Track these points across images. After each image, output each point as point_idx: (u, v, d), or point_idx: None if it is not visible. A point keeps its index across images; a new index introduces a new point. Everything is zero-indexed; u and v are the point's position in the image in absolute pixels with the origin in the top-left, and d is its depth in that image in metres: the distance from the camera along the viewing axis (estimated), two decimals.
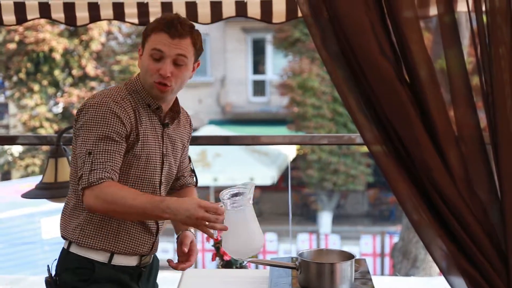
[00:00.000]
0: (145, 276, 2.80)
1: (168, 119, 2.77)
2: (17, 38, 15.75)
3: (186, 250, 2.73)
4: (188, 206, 2.37)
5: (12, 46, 16.00)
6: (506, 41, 2.03)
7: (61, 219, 2.70)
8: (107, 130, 2.50)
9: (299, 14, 3.43)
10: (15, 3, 3.72)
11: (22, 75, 16.45)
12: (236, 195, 2.36)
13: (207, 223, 2.35)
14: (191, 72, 2.72)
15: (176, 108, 2.80)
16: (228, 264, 3.91)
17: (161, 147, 2.72)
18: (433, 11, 2.17)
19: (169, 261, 2.71)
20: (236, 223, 2.37)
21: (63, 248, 2.69)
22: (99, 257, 2.62)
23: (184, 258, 2.73)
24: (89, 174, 2.43)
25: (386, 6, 2.08)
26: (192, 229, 2.82)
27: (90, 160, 2.46)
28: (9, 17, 3.75)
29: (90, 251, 2.61)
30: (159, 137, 2.72)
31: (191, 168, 3.06)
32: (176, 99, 2.81)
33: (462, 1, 2.16)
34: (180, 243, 2.78)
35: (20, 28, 14.99)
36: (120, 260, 2.66)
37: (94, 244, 2.60)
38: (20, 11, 3.74)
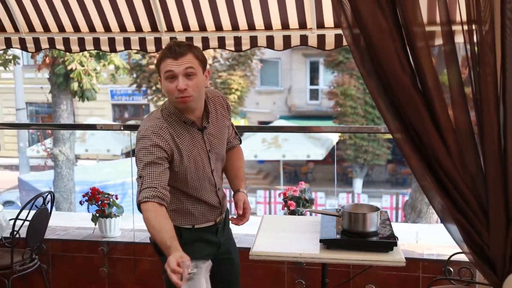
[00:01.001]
0: (221, 228, 2.64)
1: (204, 123, 2.47)
2: (155, 61, 16.02)
3: (240, 212, 2.54)
4: (169, 260, 2.05)
5: (152, 66, 16.27)
6: (491, 64, 1.99)
7: None
8: (151, 157, 2.30)
9: (344, 43, 3.40)
10: (155, 38, 3.78)
11: (158, 86, 16.70)
12: (196, 266, 2.01)
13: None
14: (205, 80, 2.40)
15: (207, 110, 2.49)
16: (292, 212, 3.91)
17: (204, 147, 2.47)
18: (438, 41, 2.15)
19: (231, 219, 2.61)
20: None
21: None
22: (186, 226, 2.51)
23: (241, 216, 2.55)
24: (139, 194, 2.29)
25: (406, 38, 2.06)
26: (244, 189, 2.62)
27: (141, 182, 2.29)
28: (151, 47, 3.81)
29: (178, 224, 2.49)
30: (200, 141, 2.46)
31: (235, 132, 2.74)
32: (205, 102, 2.48)
33: (459, 34, 2.12)
34: (235, 203, 2.58)
35: (157, 55, 15.18)
36: (200, 225, 2.55)
37: (179, 221, 2.50)
38: (158, 43, 3.79)
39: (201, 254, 2.47)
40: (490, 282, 2.14)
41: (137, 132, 2.42)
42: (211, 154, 2.49)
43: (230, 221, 2.62)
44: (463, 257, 2.61)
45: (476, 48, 2.01)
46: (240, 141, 2.75)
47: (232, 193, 2.64)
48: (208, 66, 2.48)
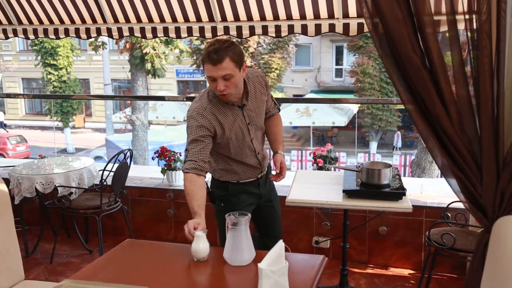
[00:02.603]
0: (262, 182, 2.57)
1: (244, 101, 2.35)
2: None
3: (278, 171, 2.47)
4: (188, 222, 2.08)
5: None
6: (487, 47, 1.92)
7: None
8: (195, 136, 2.25)
9: (365, 30, 3.32)
10: (211, 27, 3.76)
11: None
12: (236, 219, 1.93)
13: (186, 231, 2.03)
14: (243, 73, 2.25)
15: (246, 90, 2.35)
16: (320, 168, 3.91)
17: (244, 121, 2.36)
18: (443, 28, 2.08)
19: (270, 176, 2.58)
20: (232, 238, 1.92)
21: (212, 176, 2.56)
22: (231, 181, 2.48)
23: (278, 174, 2.49)
24: (184, 164, 2.25)
25: (417, 25, 1.99)
26: (281, 151, 2.54)
27: (186, 154, 2.26)
28: (208, 34, 3.78)
29: (226, 179, 2.49)
30: (241, 116, 2.35)
31: (274, 102, 2.61)
32: (245, 82, 2.33)
33: (460, 23, 2.04)
34: (274, 163, 2.52)
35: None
36: (243, 181, 2.50)
37: (226, 178, 2.48)
38: (214, 31, 3.77)
39: (245, 204, 2.50)
40: (482, 225, 2.10)
41: (187, 111, 2.36)
42: (250, 126, 2.40)
43: (270, 178, 2.59)
44: (459, 205, 2.58)
45: (475, 35, 1.94)
46: (279, 109, 2.66)
47: (272, 153, 2.61)
48: (245, 60, 2.32)
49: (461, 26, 2.02)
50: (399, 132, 18.05)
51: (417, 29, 1.99)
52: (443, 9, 2.00)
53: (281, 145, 2.60)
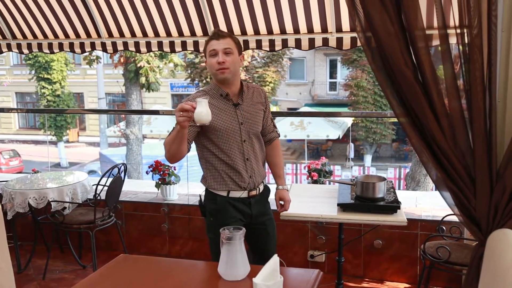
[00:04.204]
0: (255, 203, 2.48)
1: (239, 100, 2.42)
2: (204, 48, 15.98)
3: (281, 199, 2.55)
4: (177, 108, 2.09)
5: (203, 64, 16.27)
6: (478, 61, 1.94)
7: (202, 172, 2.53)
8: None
9: (358, 44, 3.34)
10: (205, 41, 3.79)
11: (208, 79, 16.73)
12: (230, 233, 1.89)
13: (181, 113, 2.06)
14: (240, 61, 2.39)
15: (242, 90, 2.44)
16: (315, 181, 3.90)
17: (237, 119, 2.38)
18: (435, 42, 2.10)
19: (278, 209, 2.59)
20: (226, 252, 1.89)
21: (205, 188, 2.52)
22: (221, 193, 2.42)
23: (283, 206, 2.57)
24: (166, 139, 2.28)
25: (409, 39, 2.01)
26: (283, 186, 2.57)
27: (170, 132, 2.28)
28: (202, 48, 3.81)
29: (215, 190, 2.44)
30: (233, 113, 2.38)
31: (273, 124, 2.62)
32: (241, 84, 2.45)
33: (452, 37, 2.06)
34: (277, 198, 2.57)
35: None
36: (234, 194, 2.42)
37: (215, 187, 2.44)
38: None
39: (234, 219, 2.42)
40: (476, 238, 2.10)
41: None
42: (243, 126, 2.39)
43: (278, 211, 2.58)
44: (454, 218, 2.58)
45: (467, 48, 1.96)
46: (279, 134, 2.64)
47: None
48: (243, 52, 2.52)
49: (453, 40, 2.04)
50: (351, 143, 18.17)
51: (409, 43, 2.01)
52: (435, 24, 2.03)
53: (283, 179, 2.59)
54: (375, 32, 2.02)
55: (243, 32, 3.68)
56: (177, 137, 2.18)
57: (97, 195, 3.78)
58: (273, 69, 17.78)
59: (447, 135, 2.02)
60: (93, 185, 4.01)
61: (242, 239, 1.91)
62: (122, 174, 3.98)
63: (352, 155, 18.41)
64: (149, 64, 12.12)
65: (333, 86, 22.22)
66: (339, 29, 3.48)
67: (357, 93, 16.47)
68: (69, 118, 19.01)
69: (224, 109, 2.39)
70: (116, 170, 3.93)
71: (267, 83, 17.37)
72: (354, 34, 3.42)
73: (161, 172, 4.20)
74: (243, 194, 2.43)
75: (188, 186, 4.45)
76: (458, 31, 1.97)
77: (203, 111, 2.06)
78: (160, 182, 4.23)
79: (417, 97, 2.01)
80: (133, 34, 3.93)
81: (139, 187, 4.78)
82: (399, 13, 2.00)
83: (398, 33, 1.99)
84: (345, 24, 3.45)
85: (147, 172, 4.30)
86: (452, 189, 2.06)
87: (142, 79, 12.48)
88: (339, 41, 3.50)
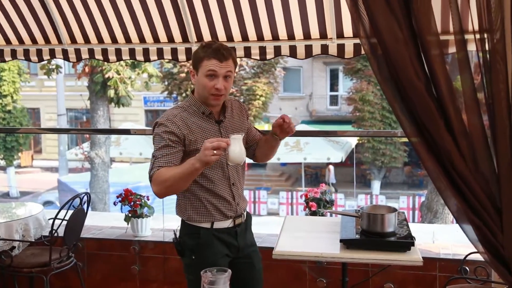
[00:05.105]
0: (241, 233, 2.59)
1: (221, 117, 2.54)
2: (186, 70, 16.16)
3: (277, 124, 2.53)
4: (202, 148, 2.19)
5: (182, 75, 16.39)
6: (502, 71, 1.97)
7: (176, 202, 2.59)
8: (166, 141, 2.38)
9: (362, 52, 3.38)
10: (185, 48, 3.81)
11: (188, 92, 16.77)
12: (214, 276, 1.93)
13: (215, 151, 2.15)
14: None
15: (224, 106, 2.57)
16: (313, 213, 3.90)
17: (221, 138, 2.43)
18: (451, 49, 2.14)
19: (283, 117, 2.53)
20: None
21: (182, 219, 2.58)
22: (204, 225, 2.49)
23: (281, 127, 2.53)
24: (150, 171, 2.35)
25: (420, 46, 2.05)
26: None
27: (153, 162, 2.37)
28: (182, 57, 3.84)
29: (197, 222, 2.50)
30: (217, 132, 2.50)
31: (259, 132, 2.80)
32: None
33: (471, 43, 2.10)
34: (274, 129, 2.56)
35: (188, 64, 15.38)
36: (219, 225, 2.51)
37: (196, 219, 2.49)
38: (188, 52, 3.82)
39: (220, 255, 2.49)
40: (506, 281, 2.10)
41: (154, 122, 2.49)
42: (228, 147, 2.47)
43: (283, 121, 2.52)
44: (478, 257, 2.57)
45: (488, 56, 1.99)
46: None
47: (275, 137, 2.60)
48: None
49: (472, 46, 2.08)
50: (330, 166, 18.32)
51: (421, 51, 2.04)
52: (451, 28, 2.06)
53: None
54: (381, 38, 2.05)
55: (229, 38, 3.71)
56: (191, 175, 2.27)
57: (54, 231, 3.74)
58: (264, 80, 17.92)
59: (466, 157, 2.04)
60: (49, 219, 3.97)
61: (227, 283, 1.90)
62: (85, 206, 3.95)
63: (333, 179, 18.58)
64: (119, 74, 12.15)
65: (334, 100, 22.41)
66: (340, 35, 3.52)
67: (363, 108, 16.61)
68: (22, 139, 18.85)
69: (208, 129, 2.48)
70: (77, 200, 3.90)
71: (257, 96, 17.48)
72: (358, 41, 3.46)
73: (132, 203, 4.18)
74: (229, 223, 2.53)
75: (164, 219, 4.42)
76: (478, 36, 2.01)
77: (241, 150, 2.23)
78: (130, 215, 4.20)
79: (430, 114, 2.04)
80: (100, 40, 3.95)
81: (105, 221, 4.74)
82: (409, 16, 2.03)
83: (407, 39, 2.02)
84: (347, 29, 3.49)
85: (115, 203, 4.26)
86: (475, 222, 2.07)
87: (111, 92, 12.49)
88: (341, 48, 3.54)
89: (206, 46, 2.44)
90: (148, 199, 4.26)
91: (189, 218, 2.50)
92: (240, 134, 2.26)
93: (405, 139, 2.47)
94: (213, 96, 2.43)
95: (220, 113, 2.55)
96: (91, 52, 4.00)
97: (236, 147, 2.22)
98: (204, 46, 2.46)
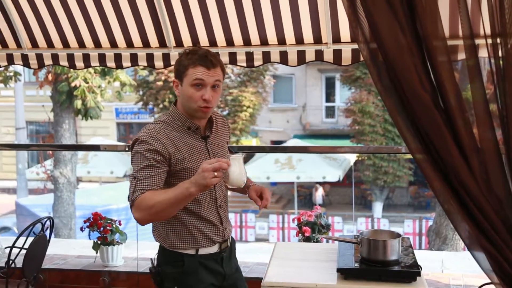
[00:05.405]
0: (227, 259, 2.62)
1: (207, 132, 2.55)
2: (163, 77, 16.22)
3: (256, 195, 2.60)
4: (198, 170, 2.21)
5: (159, 83, 16.45)
6: None
7: (152, 227, 2.58)
8: (148, 161, 2.35)
9: (361, 59, 3.41)
10: (163, 54, 3.82)
11: (165, 103, 16.87)
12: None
13: (215, 173, 2.16)
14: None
15: (210, 120, 2.59)
16: (307, 239, 3.89)
17: (208, 156, 2.50)
18: (461, 56, 2.16)
19: (258, 204, 2.60)
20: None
21: (160, 244, 2.56)
22: (188, 251, 2.50)
23: (258, 201, 2.59)
24: (132, 195, 2.33)
25: (426, 52, 2.07)
26: (253, 183, 2.69)
27: (134, 184, 2.34)
28: (159, 63, 3.85)
29: (180, 249, 2.50)
30: (204, 149, 2.51)
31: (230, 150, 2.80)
32: None
33: (483, 48, 2.13)
34: (254, 194, 2.61)
35: (165, 71, 15.44)
36: (204, 251, 2.52)
37: (180, 245, 2.49)
38: (166, 59, 3.83)
39: (206, 284, 2.52)
40: None
41: (133, 140, 2.47)
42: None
43: (259, 207, 2.63)
44: None
45: (501, 63, 2.01)
46: None
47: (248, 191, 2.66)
48: None
49: (483, 53, 2.10)
50: (318, 185, 18.41)
51: (426, 58, 2.06)
52: (460, 32, 2.08)
53: (249, 181, 2.65)
54: (382, 43, 2.07)
55: (212, 42, 3.73)
56: (183, 201, 2.29)
57: (11, 261, 3.70)
58: (252, 89, 17.98)
59: (478, 177, 2.05)
60: (5, 247, 3.93)
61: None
62: (47, 232, 3.92)
63: (320, 200, 18.62)
64: (87, 83, 12.11)
65: (330, 112, 22.52)
66: (336, 39, 3.55)
67: (362, 121, 16.70)
68: None
69: (195, 146, 2.50)
70: (39, 226, 3.86)
71: (244, 108, 17.52)
72: (356, 46, 3.49)
73: (101, 228, 4.15)
74: (214, 248, 2.55)
75: (138, 246, 4.40)
76: (490, 41, 2.03)
77: (241, 171, 2.28)
78: (99, 242, 4.17)
79: (437, 128, 2.05)
80: (65, 44, 3.95)
81: (71, 250, 4.72)
82: (413, 19, 2.06)
83: (411, 44, 2.05)
84: (345, 33, 3.53)
85: (82, 229, 4.24)
86: (488, 249, 2.08)
87: (77, 103, 12.42)
88: (337, 54, 3.57)
89: (191, 53, 2.44)
90: (120, 224, 4.23)
91: (172, 245, 2.50)
92: (240, 154, 2.29)
93: (410, 156, 2.49)
94: (203, 108, 2.43)
95: (206, 127, 2.55)
96: (55, 57, 3.99)
97: (236, 168, 2.26)
98: (188, 52, 2.46)
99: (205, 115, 2.48)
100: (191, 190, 2.20)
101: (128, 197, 2.36)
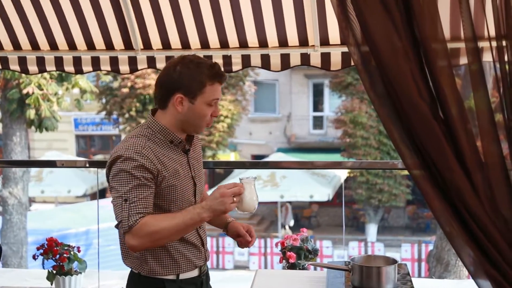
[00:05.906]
0: (205, 283, 2.72)
1: (187, 146, 2.60)
2: (129, 84, 16.21)
3: (244, 231, 2.73)
4: (212, 194, 2.34)
5: (125, 90, 16.43)
6: None
7: (124, 253, 2.57)
8: (138, 180, 2.36)
9: (352, 63, 3.44)
10: (129, 57, 3.82)
11: (132, 113, 16.88)
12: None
13: (234, 199, 2.32)
14: None
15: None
16: (292, 266, 3.89)
17: (190, 172, 2.57)
18: (463, 60, 2.17)
19: (239, 242, 2.74)
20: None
21: (132, 271, 2.57)
22: (169, 277, 2.52)
23: (248, 236, 2.73)
24: (128, 219, 2.32)
25: (424, 56, 2.09)
26: (231, 219, 2.80)
27: (128, 207, 2.33)
28: (124, 68, 3.85)
29: (160, 275, 2.51)
30: (186, 165, 2.57)
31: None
32: None
33: (487, 52, 2.16)
34: (235, 229, 2.74)
35: (132, 76, 15.45)
36: (185, 275, 2.56)
37: (160, 271, 2.50)
38: (132, 63, 3.83)
39: None
40: None
41: (112, 152, 2.47)
42: (197, 181, 2.60)
43: (240, 246, 2.78)
44: None
45: (507, 68, 2.03)
46: None
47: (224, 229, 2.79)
48: None
49: (487, 57, 2.12)
50: (288, 204, 18.52)
51: (424, 63, 2.08)
52: (462, 34, 2.11)
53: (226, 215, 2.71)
54: (375, 46, 2.09)
55: (185, 45, 3.74)
56: (191, 228, 2.43)
57: None
58: (230, 97, 18.00)
59: (481, 195, 2.07)
60: None
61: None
62: None
63: (290, 221, 18.67)
64: (42, 90, 12.04)
65: (318, 123, 22.61)
66: (325, 42, 3.59)
67: (354, 133, 16.78)
68: None
69: (178, 161, 2.54)
70: None
71: (221, 118, 17.51)
72: (346, 49, 3.52)
73: (57, 256, 4.11)
74: (195, 272, 2.62)
75: (100, 276, 4.37)
76: (495, 43, 2.05)
77: (252, 196, 2.42)
78: (55, 272, 4.13)
79: (436, 140, 2.07)
80: (16, 46, 3.93)
81: (22, 281, 4.68)
82: (409, 20, 2.07)
83: (407, 47, 2.06)
84: (334, 35, 3.56)
85: (34, 257, 4.19)
86: (494, 277, 2.09)
87: (30, 113, 12.34)
88: (326, 58, 3.60)
89: (202, 65, 2.45)
90: (79, 251, 4.20)
91: (150, 271, 2.51)
92: (252, 177, 2.41)
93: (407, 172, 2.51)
94: (207, 125, 2.57)
95: (187, 140, 2.60)
96: (4, 60, 3.98)
97: (248, 193, 2.38)
98: (197, 64, 2.45)
99: (203, 130, 2.63)
100: (203, 216, 2.31)
101: (120, 222, 2.35)
